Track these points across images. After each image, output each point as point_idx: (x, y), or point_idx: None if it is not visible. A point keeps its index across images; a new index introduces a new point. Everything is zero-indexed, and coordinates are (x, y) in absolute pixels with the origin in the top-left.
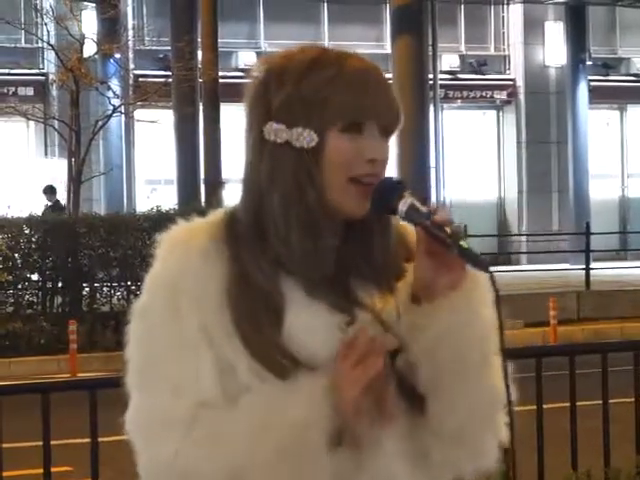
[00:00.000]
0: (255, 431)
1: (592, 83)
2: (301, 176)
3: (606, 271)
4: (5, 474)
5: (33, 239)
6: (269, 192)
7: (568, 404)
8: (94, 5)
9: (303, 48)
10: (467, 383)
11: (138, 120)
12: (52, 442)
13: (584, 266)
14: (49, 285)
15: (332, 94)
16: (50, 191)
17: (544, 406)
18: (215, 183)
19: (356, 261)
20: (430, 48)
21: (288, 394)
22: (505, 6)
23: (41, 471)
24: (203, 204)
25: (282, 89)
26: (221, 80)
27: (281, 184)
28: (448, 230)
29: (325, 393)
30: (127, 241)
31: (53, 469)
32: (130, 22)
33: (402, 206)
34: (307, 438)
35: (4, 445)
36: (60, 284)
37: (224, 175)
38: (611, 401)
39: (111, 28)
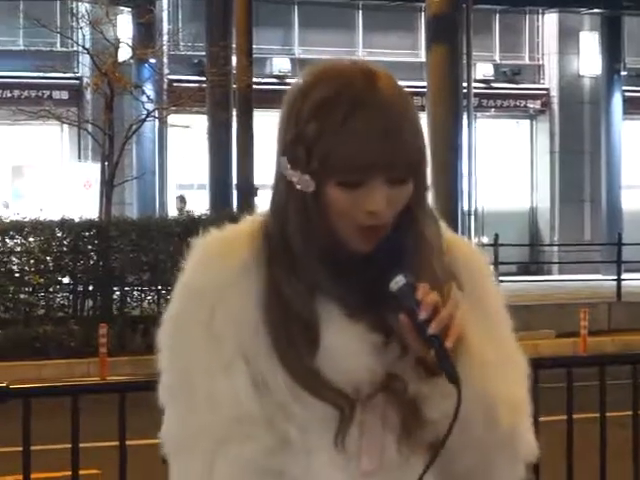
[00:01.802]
0: None
1: (627, 94)
2: (306, 215)
3: (638, 282)
4: (33, 476)
5: (65, 242)
6: (285, 220)
7: (597, 414)
8: (130, 10)
9: (335, 66)
10: (484, 437)
11: (171, 125)
12: (80, 445)
13: (616, 277)
14: (80, 288)
15: (333, 147)
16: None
17: (574, 416)
18: (247, 189)
19: (386, 285)
20: (464, 57)
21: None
22: (540, 15)
23: (69, 474)
24: (235, 210)
25: (295, 125)
26: (255, 86)
27: (295, 219)
28: (433, 328)
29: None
30: (158, 245)
31: (81, 472)
32: (165, 27)
33: (393, 285)
34: None
35: (33, 447)
36: (91, 287)
37: (256, 181)
38: None
39: (146, 33)
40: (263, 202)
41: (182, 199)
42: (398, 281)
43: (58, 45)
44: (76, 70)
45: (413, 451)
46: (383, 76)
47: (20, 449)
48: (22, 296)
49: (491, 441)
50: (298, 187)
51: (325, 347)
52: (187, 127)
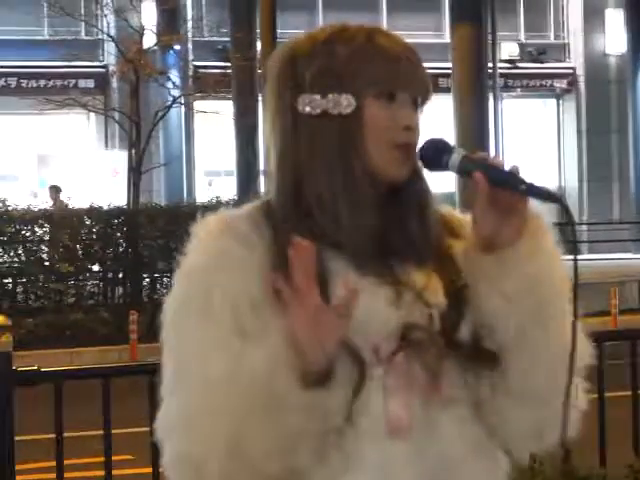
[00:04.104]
0: (230, 395)
1: None
2: (344, 144)
3: None
4: (66, 462)
5: (94, 230)
6: (311, 166)
7: (627, 392)
8: None
9: (324, 27)
10: (549, 336)
11: (197, 111)
12: (113, 431)
13: None
14: (110, 276)
15: (364, 62)
16: (55, 191)
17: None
18: None
19: (395, 237)
20: (489, 37)
21: (255, 346)
22: None
23: (102, 459)
24: (262, 195)
25: (313, 62)
26: None
27: (324, 155)
28: (508, 170)
29: (287, 341)
30: (187, 232)
31: (114, 457)
32: (189, 13)
33: (455, 157)
34: (268, 387)
35: (65, 434)
36: (121, 275)
37: None
38: None
39: (170, 19)
40: None
41: (57, 189)
42: (457, 154)
43: (83, 33)
44: (101, 58)
45: (441, 408)
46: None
47: (52, 436)
48: (52, 284)
49: (566, 347)
50: (335, 112)
51: (336, 300)
52: (213, 113)
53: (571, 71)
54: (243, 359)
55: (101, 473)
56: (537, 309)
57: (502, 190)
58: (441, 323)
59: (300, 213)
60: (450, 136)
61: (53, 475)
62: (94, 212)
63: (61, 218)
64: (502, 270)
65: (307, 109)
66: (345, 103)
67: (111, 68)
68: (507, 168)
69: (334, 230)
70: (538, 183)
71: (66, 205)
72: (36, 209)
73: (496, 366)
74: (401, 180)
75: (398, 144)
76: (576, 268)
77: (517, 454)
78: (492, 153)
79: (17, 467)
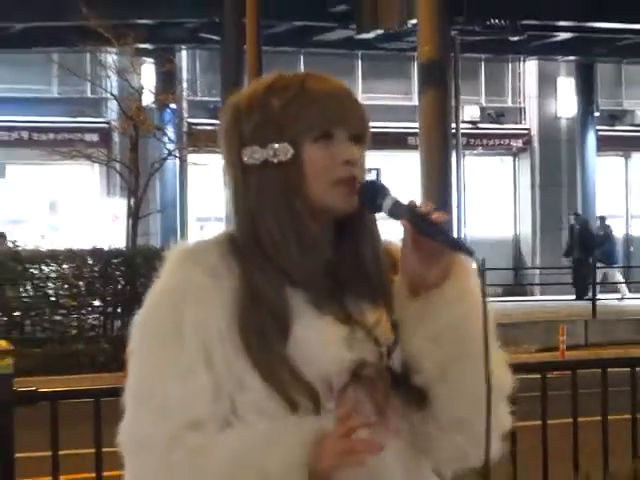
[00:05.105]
0: (231, 472)
1: (600, 132)
2: (287, 189)
3: (611, 302)
4: (62, 477)
5: (96, 269)
6: (260, 212)
7: (570, 420)
8: (152, 60)
9: (263, 79)
10: (472, 370)
11: (191, 163)
12: (106, 449)
13: (591, 297)
14: (109, 310)
15: (297, 110)
16: (1, 236)
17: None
18: None
19: (350, 271)
20: (453, 100)
21: (272, 438)
22: (521, 63)
23: (94, 475)
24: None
25: (252, 117)
26: None
27: (270, 201)
28: (431, 220)
29: (306, 452)
30: None
31: (106, 473)
32: (184, 75)
33: (387, 202)
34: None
35: (61, 452)
36: (119, 309)
37: None
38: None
39: (167, 81)
40: None
41: (2, 235)
42: (389, 200)
43: (88, 92)
44: (105, 115)
45: (387, 440)
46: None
47: (49, 453)
48: (57, 317)
49: (481, 387)
50: (275, 161)
51: (295, 338)
52: (205, 165)
53: (526, 132)
54: (256, 451)
55: None
56: (460, 348)
57: (425, 237)
58: (388, 360)
59: (261, 252)
60: (417, 188)
61: None
62: (96, 253)
63: (66, 258)
64: (428, 312)
65: (251, 161)
66: (283, 151)
67: (113, 124)
68: (433, 216)
69: (289, 268)
70: (455, 234)
71: (9, 248)
72: (44, 250)
73: (424, 401)
74: (349, 212)
75: (340, 179)
76: (485, 310)
77: (444, 473)
78: (454, 204)
79: None
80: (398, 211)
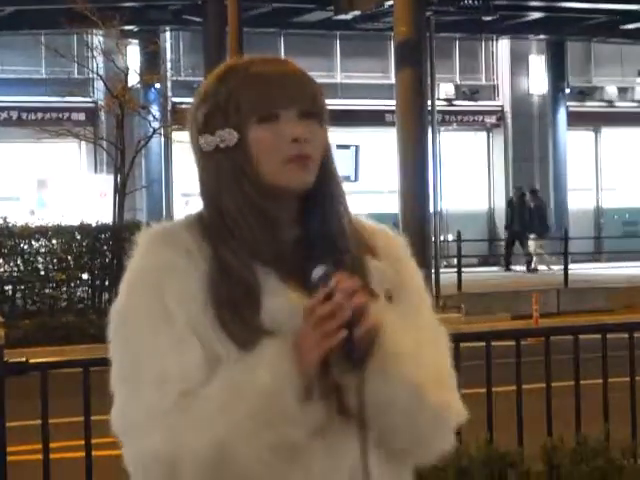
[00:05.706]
0: (229, 405)
1: (570, 108)
2: (237, 171)
3: (582, 271)
4: (53, 444)
5: (84, 243)
6: (219, 196)
7: (544, 385)
8: (137, 41)
9: (214, 69)
10: (413, 420)
11: (175, 141)
12: (96, 417)
13: (563, 267)
14: (97, 283)
15: (242, 94)
16: None
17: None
18: None
19: (317, 250)
20: (429, 79)
21: (255, 363)
22: (494, 42)
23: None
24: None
25: (204, 105)
26: None
27: (225, 183)
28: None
29: (288, 356)
30: None
31: (96, 440)
32: (168, 56)
33: (315, 273)
34: (277, 401)
35: (51, 420)
36: (107, 282)
37: None
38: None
39: (152, 61)
40: None
41: None
42: (318, 271)
43: (75, 73)
44: (91, 94)
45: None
46: None
47: (39, 422)
48: (47, 291)
49: (421, 421)
50: (223, 146)
51: (266, 309)
52: (189, 142)
53: (499, 108)
54: (245, 373)
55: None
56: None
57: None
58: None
59: (229, 232)
60: (394, 165)
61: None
62: (84, 228)
63: (56, 233)
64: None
65: (206, 147)
66: (229, 137)
67: (100, 103)
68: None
69: (256, 247)
70: (354, 346)
71: None
72: (33, 225)
73: None
74: (305, 188)
75: (290, 157)
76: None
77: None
78: (431, 180)
79: (8, 449)
80: (321, 283)
